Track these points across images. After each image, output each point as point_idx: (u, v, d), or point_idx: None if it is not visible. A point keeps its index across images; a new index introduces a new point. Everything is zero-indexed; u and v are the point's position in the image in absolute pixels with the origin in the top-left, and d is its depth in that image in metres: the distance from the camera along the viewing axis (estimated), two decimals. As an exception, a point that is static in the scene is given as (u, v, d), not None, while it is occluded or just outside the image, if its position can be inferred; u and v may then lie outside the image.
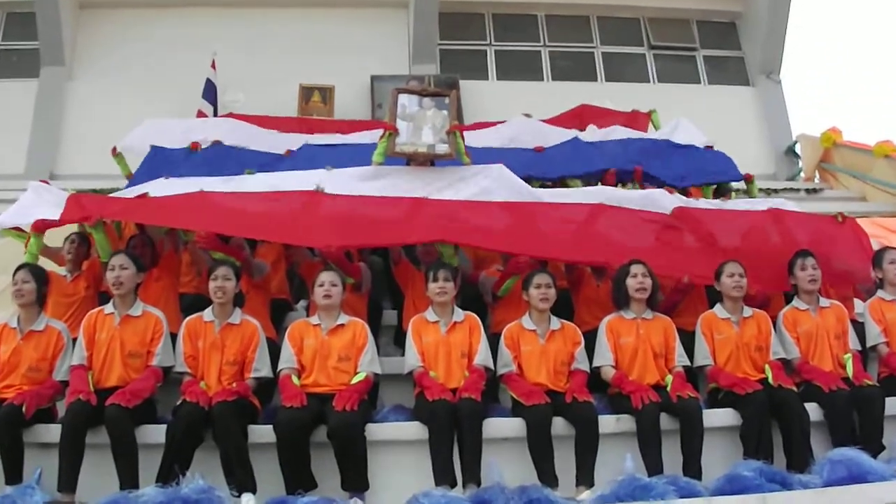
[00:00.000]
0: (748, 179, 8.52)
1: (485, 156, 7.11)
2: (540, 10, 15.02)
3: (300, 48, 13.54)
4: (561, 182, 7.92)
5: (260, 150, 8.09)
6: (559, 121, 10.10)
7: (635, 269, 5.78)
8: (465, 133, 6.71)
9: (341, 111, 12.76)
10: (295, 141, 8.50)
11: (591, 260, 6.23)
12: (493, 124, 9.40)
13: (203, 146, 8.01)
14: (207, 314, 5.49)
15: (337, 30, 13.88)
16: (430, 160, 6.49)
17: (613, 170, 7.95)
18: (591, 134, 9.12)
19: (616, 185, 7.60)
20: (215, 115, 11.32)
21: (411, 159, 6.49)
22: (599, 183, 7.51)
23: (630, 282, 5.73)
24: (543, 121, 9.84)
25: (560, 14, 15.05)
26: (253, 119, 9.43)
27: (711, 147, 8.72)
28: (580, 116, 10.46)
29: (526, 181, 6.66)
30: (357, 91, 13.48)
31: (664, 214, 6.50)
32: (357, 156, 7.05)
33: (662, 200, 6.63)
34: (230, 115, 10.21)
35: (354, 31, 13.90)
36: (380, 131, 6.80)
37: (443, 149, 6.35)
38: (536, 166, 7.97)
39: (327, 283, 5.55)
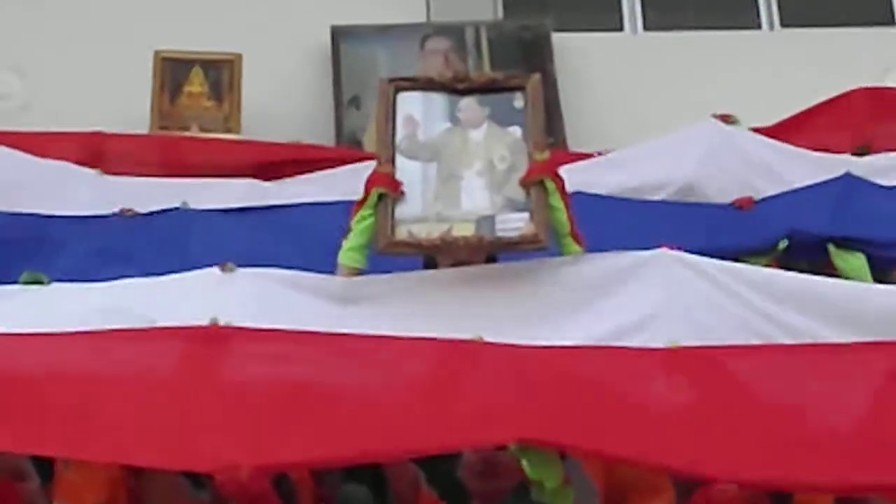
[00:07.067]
0: None
1: (620, 224, 4.29)
2: None
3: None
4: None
5: (64, 217, 5.02)
6: (807, 124, 5.64)
7: None
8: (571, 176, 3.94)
9: (258, 118, 7.45)
10: (149, 195, 5.12)
11: None
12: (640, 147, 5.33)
13: None
14: None
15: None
16: (482, 255, 3.80)
17: None
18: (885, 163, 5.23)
19: None
20: None
21: (434, 256, 3.83)
22: None
23: None
24: (759, 130, 5.51)
25: None
26: (44, 140, 5.77)
27: None
28: (854, 113, 5.51)
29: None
30: (296, 67, 7.95)
31: None
32: (302, 239, 4.43)
33: None
34: None
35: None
36: (353, 175, 4.26)
37: (516, 225, 3.64)
38: (741, 237, 4.65)
39: (235, 563, 3.52)
